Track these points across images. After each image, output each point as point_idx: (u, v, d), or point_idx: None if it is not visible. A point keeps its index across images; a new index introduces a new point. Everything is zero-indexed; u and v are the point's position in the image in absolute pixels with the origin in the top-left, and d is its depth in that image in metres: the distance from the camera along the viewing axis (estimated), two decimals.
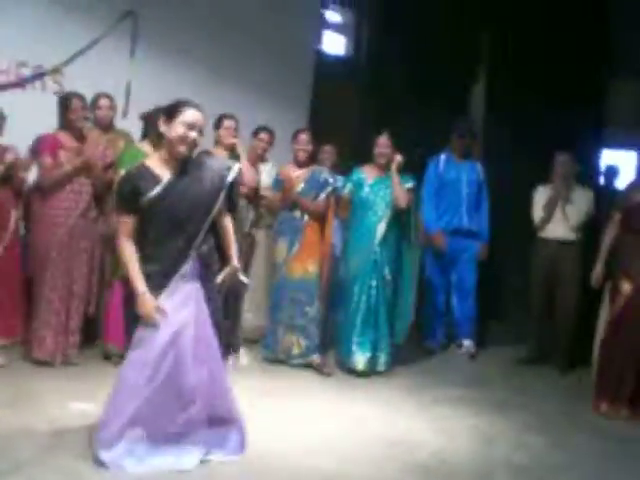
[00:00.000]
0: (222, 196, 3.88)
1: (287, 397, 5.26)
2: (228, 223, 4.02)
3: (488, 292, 7.38)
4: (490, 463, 4.41)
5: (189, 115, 3.75)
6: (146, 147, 5.62)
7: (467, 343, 7.05)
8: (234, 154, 6.00)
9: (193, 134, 3.75)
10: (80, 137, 5.51)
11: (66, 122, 5.49)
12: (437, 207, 6.96)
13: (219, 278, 3.95)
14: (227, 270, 3.98)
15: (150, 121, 5.59)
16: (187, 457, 3.83)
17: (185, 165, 3.84)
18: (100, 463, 3.74)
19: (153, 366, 3.73)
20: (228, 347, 4.45)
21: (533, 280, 6.93)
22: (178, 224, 3.76)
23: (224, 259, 4.00)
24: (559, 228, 6.73)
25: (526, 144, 7.74)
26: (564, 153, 6.77)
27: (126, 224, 3.78)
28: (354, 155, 7.12)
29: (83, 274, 5.55)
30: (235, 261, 4.01)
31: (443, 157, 7.08)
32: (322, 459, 4.19)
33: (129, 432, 3.74)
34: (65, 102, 5.51)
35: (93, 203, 5.58)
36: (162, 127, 3.81)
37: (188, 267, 3.80)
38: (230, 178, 3.93)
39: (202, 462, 3.90)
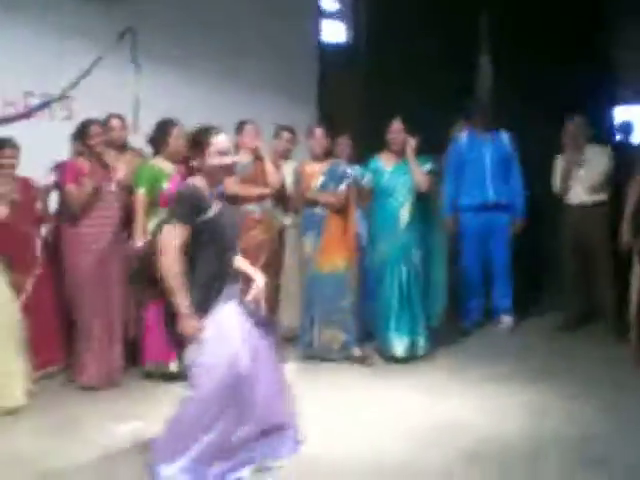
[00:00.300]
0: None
1: (330, 390, 5.27)
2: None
3: (526, 263, 7.32)
4: (542, 438, 4.37)
5: (220, 143, 3.85)
6: (162, 163, 5.64)
7: (506, 319, 7.01)
8: (257, 157, 6.05)
9: (227, 160, 3.87)
10: (100, 163, 5.53)
11: (86, 149, 5.51)
12: (461, 185, 6.89)
13: (249, 296, 3.98)
14: (256, 286, 4.01)
15: (157, 136, 5.68)
16: (242, 470, 3.86)
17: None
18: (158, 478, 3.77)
19: (216, 396, 3.74)
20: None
21: (564, 247, 6.85)
22: (225, 246, 3.84)
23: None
24: (579, 192, 6.65)
25: (538, 110, 7.63)
26: (573, 117, 6.69)
27: (182, 235, 3.71)
28: (362, 143, 7.07)
29: (120, 296, 5.57)
30: (259, 278, 4.04)
31: (465, 134, 7.02)
32: (366, 452, 4.19)
33: (188, 450, 3.74)
34: (83, 129, 5.53)
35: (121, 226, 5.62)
36: (195, 162, 3.87)
37: (234, 288, 3.89)
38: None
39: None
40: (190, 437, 3.73)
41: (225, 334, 3.75)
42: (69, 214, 5.48)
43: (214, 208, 3.80)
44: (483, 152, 6.89)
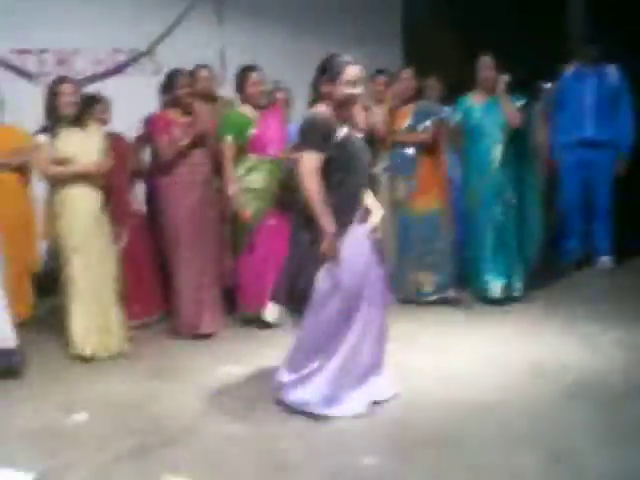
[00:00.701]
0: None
1: (426, 334, 5.24)
2: None
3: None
4: (637, 375, 4.27)
5: (351, 73, 3.81)
6: (247, 110, 5.64)
7: (604, 259, 6.85)
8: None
9: (358, 91, 3.85)
10: (189, 112, 5.50)
11: (174, 99, 5.49)
12: (561, 120, 6.71)
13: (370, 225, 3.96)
14: (374, 218, 3.98)
15: (237, 83, 5.66)
16: (359, 401, 3.93)
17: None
18: (285, 405, 3.92)
19: (341, 312, 3.82)
20: None
21: None
22: (357, 169, 3.87)
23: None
24: None
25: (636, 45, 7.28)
26: None
27: (317, 161, 3.78)
28: (453, 85, 6.92)
29: (216, 244, 5.60)
30: (379, 211, 4.03)
31: (571, 68, 6.81)
32: (467, 391, 4.15)
33: (312, 377, 3.88)
34: (171, 80, 5.51)
35: (212, 174, 5.60)
36: (325, 88, 3.84)
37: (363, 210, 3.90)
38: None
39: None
40: (313, 349, 3.88)
41: (355, 259, 3.81)
42: (162, 165, 5.50)
43: (341, 133, 3.81)
44: (585, 86, 6.66)
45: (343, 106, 3.85)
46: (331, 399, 3.88)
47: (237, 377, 4.54)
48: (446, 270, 5.95)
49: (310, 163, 3.78)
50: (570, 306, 5.70)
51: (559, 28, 8.52)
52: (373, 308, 3.90)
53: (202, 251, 5.46)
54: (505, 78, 5.83)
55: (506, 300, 5.86)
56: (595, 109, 6.61)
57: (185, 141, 5.39)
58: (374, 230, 3.95)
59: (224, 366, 4.77)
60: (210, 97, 6.16)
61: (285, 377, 3.97)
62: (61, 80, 5.19)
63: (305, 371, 3.91)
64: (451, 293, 5.95)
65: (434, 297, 5.97)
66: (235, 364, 4.78)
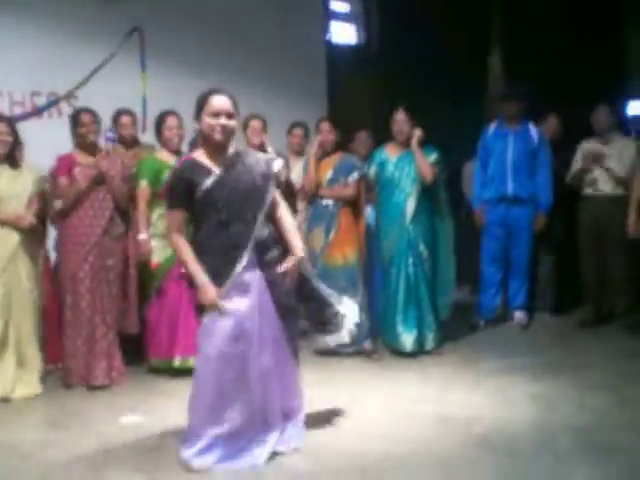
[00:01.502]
0: (273, 184, 3.86)
1: (339, 385, 5.19)
2: (285, 214, 3.98)
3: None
4: (552, 428, 4.25)
5: (213, 104, 3.70)
6: (163, 154, 5.62)
7: (518, 315, 6.89)
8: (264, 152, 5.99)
9: (221, 120, 3.70)
10: (94, 153, 5.39)
11: (78, 138, 5.39)
12: (485, 176, 6.81)
13: (282, 267, 3.86)
14: (291, 259, 3.89)
15: (155, 128, 5.67)
16: (259, 450, 3.81)
17: (232, 157, 3.81)
18: (183, 461, 3.74)
19: (220, 358, 3.69)
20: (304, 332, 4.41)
21: (581, 240, 6.74)
22: (234, 213, 3.71)
23: (285, 250, 3.94)
24: (605, 183, 6.54)
25: (550, 107, 7.51)
26: (599, 106, 6.61)
27: (178, 219, 3.75)
28: (374, 142, 7.01)
29: (113, 292, 5.42)
30: (299, 250, 3.93)
31: (493, 126, 6.93)
32: (376, 442, 4.09)
33: (208, 429, 3.72)
34: (74, 118, 5.42)
35: (118, 219, 5.46)
36: (196, 124, 3.80)
37: (247, 256, 3.72)
38: (275, 168, 3.92)
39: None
40: (203, 399, 3.73)
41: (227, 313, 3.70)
42: (60, 208, 5.36)
43: (211, 179, 3.70)
44: (507, 144, 6.76)
45: (212, 140, 3.72)
46: (230, 456, 3.76)
47: (136, 428, 4.39)
48: (363, 323, 5.90)
49: (168, 219, 3.79)
50: (481, 360, 5.72)
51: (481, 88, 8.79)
52: (267, 356, 3.79)
53: (97, 301, 5.30)
54: (419, 132, 5.91)
55: (418, 353, 5.86)
56: (515, 166, 6.71)
57: (83, 183, 5.27)
58: (289, 270, 3.87)
59: (123, 416, 4.62)
60: (131, 143, 6.12)
61: (185, 453, 3.77)
62: None
63: (204, 442, 3.73)
64: (366, 346, 5.91)
65: (351, 349, 5.90)
66: (135, 414, 4.63)
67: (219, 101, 3.71)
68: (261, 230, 3.78)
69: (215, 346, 3.69)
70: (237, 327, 3.71)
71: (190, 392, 3.80)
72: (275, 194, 3.90)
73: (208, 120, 3.70)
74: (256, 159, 3.90)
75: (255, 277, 3.77)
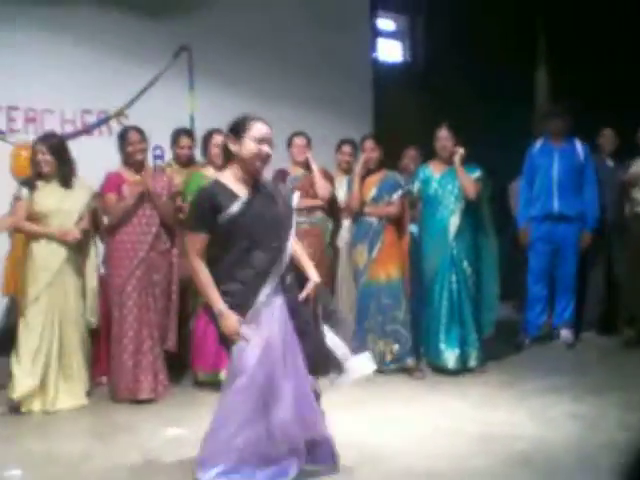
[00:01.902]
0: (294, 217, 3.82)
1: (381, 403, 5.17)
2: (297, 244, 3.90)
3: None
4: (593, 446, 4.23)
5: (258, 130, 3.65)
6: (209, 171, 5.70)
7: (564, 333, 6.82)
8: (308, 170, 6.12)
9: (266, 148, 3.66)
10: (141, 170, 5.50)
11: (125, 156, 5.50)
12: (530, 194, 6.76)
13: (303, 292, 3.79)
14: (310, 285, 3.81)
15: (201, 146, 5.79)
16: (281, 477, 3.72)
17: (258, 183, 3.75)
18: None
19: (247, 390, 3.63)
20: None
21: (629, 260, 6.70)
22: (259, 241, 3.63)
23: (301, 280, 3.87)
24: None
25: (598, 127, 7.44)
26: None
27: (200, 242, 3.64)
28: (423, 158, 7.03)
29: (158, 308, 5.51)
30: (316, 276, 3.86)
31: (539, 143, 6.89)
32: (417, 460, 4.09)
33: (227, 454, 3.65)
34: (122, 136, 5.54)
35: (164, 235, 5.56)
36: (232, 146, 3.69)
37: (272, 284, 3.66)
38: (294, 201, 3.89)
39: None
40: (226, 427, 3.65)
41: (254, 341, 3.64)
42: (109, 224, 5.50)
43: (237, 205, 3.62)
44: (552, 161, 6.72)
45: (251, 165, 3.67)
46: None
47: (180, 441, 4.44)
48: (406, 340, 5.92)
49: (192, 244, 3.67)
50: (524, 379, 5.68)
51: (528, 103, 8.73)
52: (289, 384, 3.68)
53: (143, 315, 5.39)
54: (461, 150, 5.93)
55: (461, 371, 5.84)
56: (561, 183, 6.67)
57: (131, 200, 5.38)
58: (308, 296, 3.80)
59: (167, 429, 4.70)
60: (187, 162, 6.22)
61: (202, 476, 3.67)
62: (38, 139, 5.36)
63: (221, 468, 3.63)
64: (409, 363, 5.91)
65: (393, 366, 5.93)
66: (179, 428, 4.70)
67: (263, 128, 3.68)
68: (286, 258, 3.72)
69: (243, 378, 3.62)
70: (263, 356, 3.64)
71: (213, 417, 3.72)
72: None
73: (252, 145, 3.63)
74: (278, 190, 3.88)
75: (278, 304, 3.70)
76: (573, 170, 6.71)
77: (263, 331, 3.66)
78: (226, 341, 3.72)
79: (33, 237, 5.20)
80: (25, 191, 5.21)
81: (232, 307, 3.65)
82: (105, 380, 5.67)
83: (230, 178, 3.72)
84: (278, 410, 3.67)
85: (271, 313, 3.68)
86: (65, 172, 5.29)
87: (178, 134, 6.22)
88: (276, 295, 3.69)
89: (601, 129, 7.17)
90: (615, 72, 8.04)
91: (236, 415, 3.65)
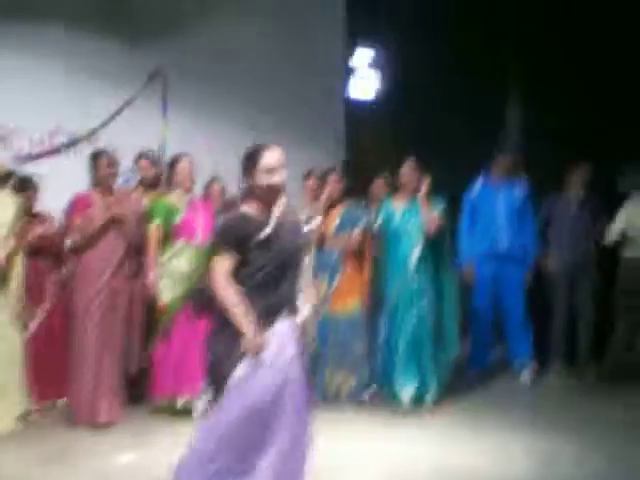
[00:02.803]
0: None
1: (337, 439, 5.02)
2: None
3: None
4: None
5: (266, 162, 3.57)
6: (174, 196, 5.72)
7: (523, 374, 6.80)
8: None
9: (276, 179, 3.57)
10: (111, 193, 5.54)
11: (96, 179, 5.53)
12: (474, 233, 6.80)
13: (300, 317, 3.70)
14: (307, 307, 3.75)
15: (168, 170, 5.85)
16: None
17: (281, 214, 3.66)
18: None
19: (248, 410, 3.48)
20: None
21: (617, 301, 6.73)
22: (283, 266, 3.61)
23: None
24: None
25: (572, 159, 7.50)
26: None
27: (230, 263, 3.55)
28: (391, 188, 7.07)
29: (120, 331, 5.51)
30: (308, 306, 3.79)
31: (479, 181, 6.96)
32: None
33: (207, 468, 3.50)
34: (93, 160, 5.57)
35: (130, 259, 5.57)
36: (248, 180, 3.62)
37: (287, 310, 3.62)
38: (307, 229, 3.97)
39: None
40: (212, 440, 3.50)
41: (276, 359, 3.53)
42: (74, 246, 5.47)
43: (265, 233, 3.56)
44: (497, 198, 6.81)
45: (270, 196, 3.59)
46: None
47: (133, 467, 4.43)
48: (362, 373, 5.93)
49: (217, 266, 3.58)
50: (481, 415, 5.70)
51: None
52: (292, 414, 3.55)
53: (104, 337, 5.37)
54: (428, 180, 5.98)
55: (418, 406, 5.82)
56: (506, 221, 6.77)
57: (96, 223, 5.38)
58: (301, 325, 3.71)
59: (121, 454, 4.66)
60: (151, 184, 6.22)
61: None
62: None
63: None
64: (365, 396, 5.92)
65: (350, 399, 5.93)
66: (133, 453, 4.68)
67: (273, 157, 3.59)
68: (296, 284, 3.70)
69: (247, 397, 3.48)
70: (281, 382, 3.52)
71: (198, 431, 3.57)
72: None
73: (265, 177, 3.56)
74: (296, 219, 3.90)
75: (294, 326, 3.65)
76: (517, 206, 6.79)
77: (279, 355, 3.55)
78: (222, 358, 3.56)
79: None
80: None
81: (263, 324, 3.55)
82: (60, 402, 5.65)
83: (253, 209, 3.65)
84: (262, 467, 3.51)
85: (283, 344, 3.58)
86: None
87: (139, 157, 6.26)
88: (290, 319, 3.65)
89: (573, 163, 7.11)
90: (589, 93, 8.10)
91: (226, 437, 3.48)
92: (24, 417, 5.23)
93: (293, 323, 3.65)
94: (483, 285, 6.81)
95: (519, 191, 6.84)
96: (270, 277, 3.58)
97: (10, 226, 5.21)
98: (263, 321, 3.54)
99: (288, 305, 3.64)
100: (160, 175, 6.35)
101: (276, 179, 3.56)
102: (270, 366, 3.51)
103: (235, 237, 3.56)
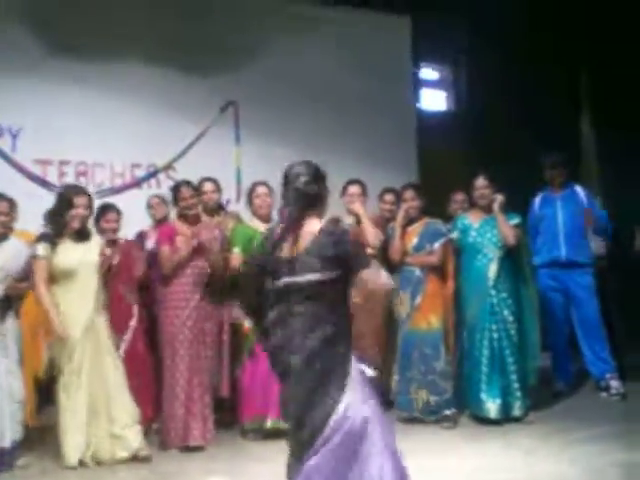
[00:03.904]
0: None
1: (424, 456, 4.94)
2: None
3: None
4: None
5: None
6: (254, 222, 5.85)
7: (614, 384, 6.60)
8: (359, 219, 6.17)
9: None
10: (194, 223, 5.68)
11: (178, 210, 5.71)
12: (537, 244, 6.75)
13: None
14: None
15: (247, 197, 5.95)
16: None
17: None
18: None
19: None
20: None
21: None
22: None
23: None
24: None
25: None
26: None
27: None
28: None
29: (209, 356, 5.64)
30: None
31: (539, 195, 6.94)
32: None
33: None
34: (175, 191, 5.74)
35: None
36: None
37: None
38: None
39: None
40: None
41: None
42: (161, 274, 5.64)
43: None
44: (556, 208, 6.77)
45: None
46: None
47: None
48: (444, 390, 5.92)
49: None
50: (569, 429, 5.60)
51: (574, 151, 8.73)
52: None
53: (194, 363, 5.50)
54: (500, 197, 5.98)
55: (503, 421, 5.79)
56: (565, 230, 6.71)
57: (185, 252, 5.52)
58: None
59: (214, 477, 4.75)
60: (214, 210, 6.32)
61: None
62: (77, 191, 5.31)
63: None
64: (447, 413, 5.90)
65: (432, 417, 5.92)
66: (225, 477, 4.74)
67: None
68: None
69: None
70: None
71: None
72: None
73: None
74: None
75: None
76: (578, 215, 6.72)
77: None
78: None
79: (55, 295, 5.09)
80: (44, 247, 5.04)
81: None
82: (154, 427, 5.78)
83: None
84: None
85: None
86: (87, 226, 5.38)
87: (202, 181, 6.27)
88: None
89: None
90: None
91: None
92: None
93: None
94: (549, 296, 6.70)
95: (579, 198, 6.79)
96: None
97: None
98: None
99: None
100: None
101: None
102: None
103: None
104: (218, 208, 6.41)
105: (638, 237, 6.77)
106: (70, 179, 7.05)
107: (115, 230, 5.89)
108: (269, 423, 5.54)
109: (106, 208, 5.92)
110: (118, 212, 5.96)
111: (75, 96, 7.07)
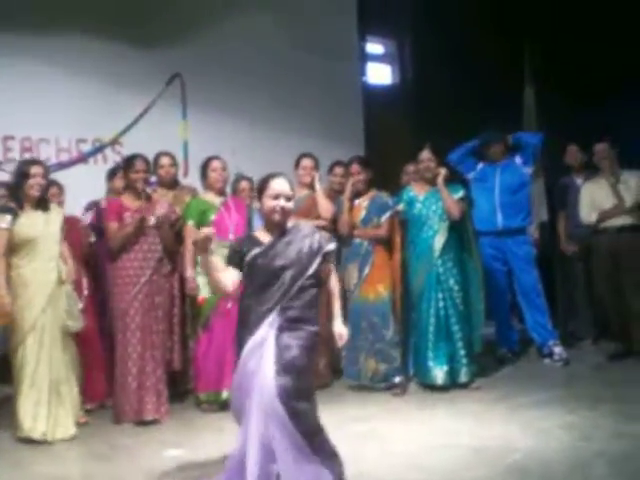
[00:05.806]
0: (317, 261, 3.96)
1: (375, 423, 5.23)
2: (335, 285, 4.14)
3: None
4: (587, 456, 4.29)
5: (274, 187, 3.95)
6: (208, 196, 5.86)
7: (557, 349, 6.75)
8: (313, 190, 6.29)
9: (280, 202, 3.93)
10: (140, 197, 5.62)
11: (129, 183, 5.65)
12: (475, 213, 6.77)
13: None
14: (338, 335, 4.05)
15: (200, 171, 5.93)
16: None
17: (285, 231, 4.00)
18: None
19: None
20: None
21: (596, 273, 6.82)
22: (271, 279, 3.87)
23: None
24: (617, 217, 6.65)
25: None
26: (600, 142, 6.76)
27: (234, 274, 3.94)
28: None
29: (161, 329, 5.64)
30: (338, 323, 4.06)
31: (480, 165, 7.05)
32: (411, 473, 4.18)
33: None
34: (128, 163, 5.69)
35: (165, 259, 5.72)
36: (258, 204, 4.11)
37: (272, 317, 3.84)
38: (330, 247, 4.04)
39: None
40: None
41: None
42: (110, 250, 5.60)
43: (258, 249, 3.90)
44: (492, 180, 6.89)
45: (271, 220, 3.95)
46: None
47: (180, 462, 4.52)
48: (394, 358, 6.06)
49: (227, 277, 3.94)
50: (515, 394, 5.74)
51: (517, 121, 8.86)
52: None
53: (146, 337, 5.51)
54: (444, 171, 6.11)
55: (451, 387, 5.93)
56: (501, 199, 6.84)
57: (130, 228, 5.50)
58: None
59: (168, 450, 4.78)
60: (171, 184, 6.35)
61: None
62: (31, 162, 5.35)
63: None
64: (398, 380, 6.03)
65: (382, 384, 6.06)
66: (180, 449, 4.78)
67: (279, 184, 3.96)
68: (294, 301, 3.89)
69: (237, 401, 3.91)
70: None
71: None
72: (329, 267, 4.07)
73: (268, 202, 3.94)
74: (309, 233, 4.04)
75: (272, 335, 3.85)
76: (515, 185, 6.87)
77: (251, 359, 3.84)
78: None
79: (18, 265, 5.13)
80: (7, 219, 5.07)
81: (245, 331, 3.88)
82: (104, 403, 5.81)
83: (262, 232, 4.03)
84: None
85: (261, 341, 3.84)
86: (46, 197, 5.38)
87: (158, 155, 6.30)
88: (273, 327, 3.85)
89: (566, 146, 7.35)
90: (602, 94, 8.17)
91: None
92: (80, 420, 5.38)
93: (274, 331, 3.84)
94: (489, 264, 6.78)
95: (516, 168, 6.93)
96: (250, 294, 3.92)
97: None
98: (249, 331, 3.84)
99: (274, 310, 3.84)
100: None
101: (280, 203, 3.94)
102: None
103: (235, 260, 3.97)
104: (174, 182, 6.41)
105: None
106: (15, 155, 6.94)
107: (60, 205, 5.82)
108: (224, 394, 5.56)
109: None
110: (60, 187, 5.98)
111: (18, 71, 6.93)
